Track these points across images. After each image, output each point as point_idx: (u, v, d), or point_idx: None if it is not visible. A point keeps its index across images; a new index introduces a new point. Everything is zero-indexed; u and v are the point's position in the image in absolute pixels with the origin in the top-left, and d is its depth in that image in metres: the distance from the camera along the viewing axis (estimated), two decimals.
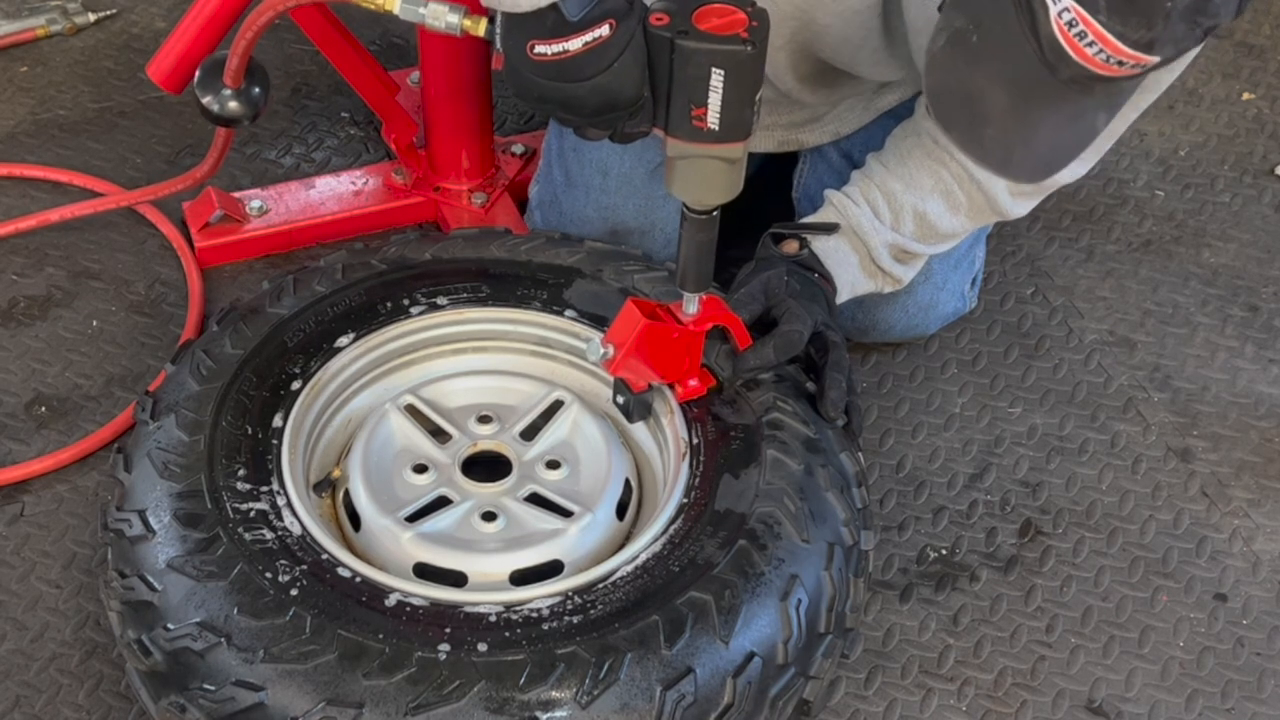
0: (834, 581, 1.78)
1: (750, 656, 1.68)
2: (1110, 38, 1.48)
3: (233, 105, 2.05)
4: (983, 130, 1.63)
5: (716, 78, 1.60)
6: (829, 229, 2.04)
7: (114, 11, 2.78)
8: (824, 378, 1.91)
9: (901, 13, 1.92)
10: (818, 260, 2.03)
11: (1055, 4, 1.49)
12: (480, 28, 1.71)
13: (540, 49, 1.61)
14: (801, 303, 1.92)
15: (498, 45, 1.66)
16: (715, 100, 1.61)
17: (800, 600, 1.73)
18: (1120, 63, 1.50)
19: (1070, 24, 1.48)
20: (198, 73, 2.06)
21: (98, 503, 2.03)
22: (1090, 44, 1.49)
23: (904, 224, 2.04)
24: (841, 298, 2.05)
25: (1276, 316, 2.37)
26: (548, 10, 1.59)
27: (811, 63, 2.04)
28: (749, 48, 1.60)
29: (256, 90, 2.07)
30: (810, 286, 1.98)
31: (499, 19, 1.66)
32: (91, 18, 2.73)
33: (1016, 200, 2.03)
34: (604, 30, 1.59)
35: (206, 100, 2.05)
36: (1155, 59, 1.51)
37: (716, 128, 1.63)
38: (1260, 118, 2.71)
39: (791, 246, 2.03)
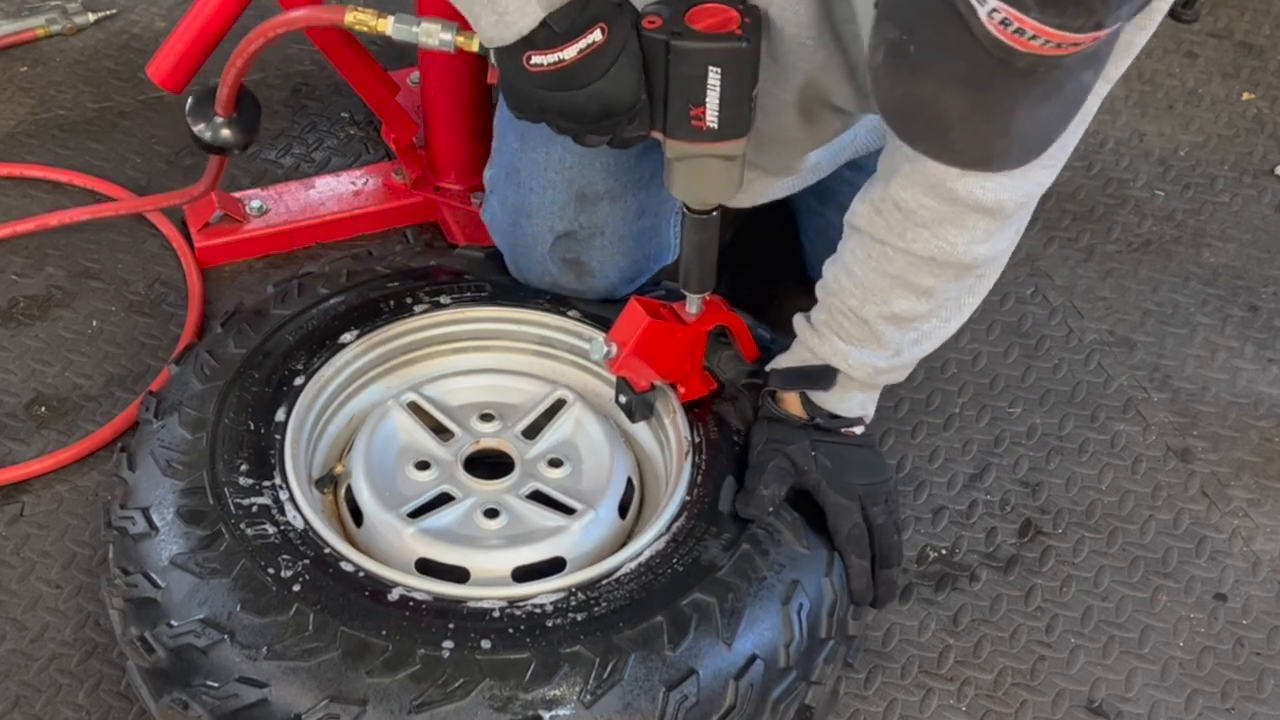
0: (835, 588, 1.78)
1: (753, 659, 1.68)
2: (1051, 30, 1.30)
3: (225, 133, 2.05)
4: (949, 136, 1.45)
5: (714, 76, 1.60)
6: (824, 378, 1.86)
7: (114, 11, 2.78)
8: (876, 575, 1.85)
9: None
10: (835, 418, 1.88)
11: (983, 5, 1.31)
12: (474, 44, 1.72)
13: (537, 59, 1.60)
14: (838, 489, 1.82)
15: (493, 60, 1.66)
16: (713, 99, 1.62)
17: (802, 605, 1.74)
18: (1075, 45, 1.33)
19: (1004, 23, 1.30)
20: (189, 101, 2.06)
21: (98, 503, 2.03)
22: (1033, 38, 1.31)
23: (881, 336, 1.82)
24: (870, 417, 1.92)
25: (1276, 316, 2.37)
26: (536, 29, 1.59)
27: None
28: (744, 43, 1.60)
29: (248, 118, 2.07)
30: (844, 457, 1.86)
31: None
32: (91, 18, 2.73)
33: (984, 245, 1.76)
34: (596, 35, 1.59)
35: (199, 129, 2.05)
36: (1112, 29, 1.33)
37: (716, 126, 1.64)
38: (1260, 118, 2.71)
39: (794, 403, 1.88)
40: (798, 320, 1.89)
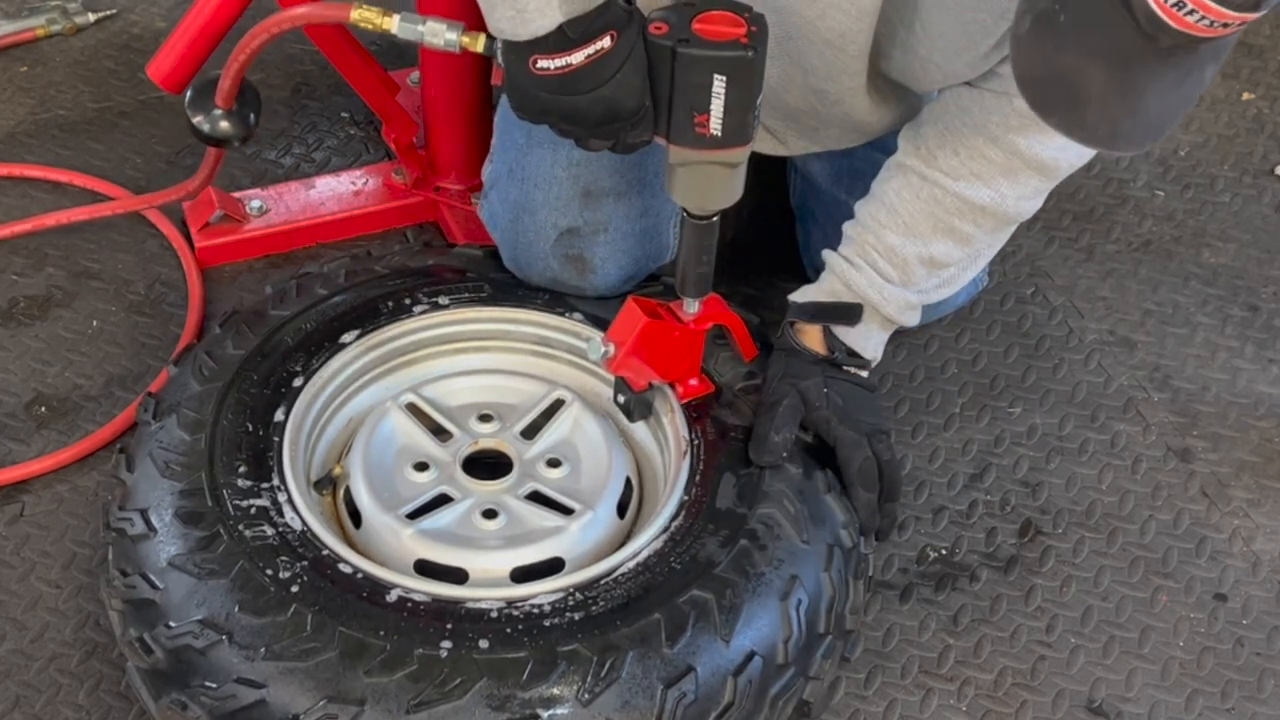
0: (833, 583, 1.78)
1: (751, 656, 1.68)
2: (1213, 4, 1.36)
3: (224, 125, 2.05)
4: (1084, 111, 1.52)
5: (719, 84, 1.61)
6: (851, 314, 1.93)
7: (114, 11, 2.78)
8: (881, 509, 1.92)
9: (906, 24, 1.79)
10: (852, 355, 1.95)
11: None
12: (479, 44, 1.71)
13: (543, 64, 1.61)
14: (849, 425, 1.88)
15: (499, 60, 1.66)
16: (718, 106, 1.62)
17: (800, 600, 1.73)
18: (1225, 25, 1.39)
19: None
20: (189, 92, 2.06)
21: (98, 503, 2.03)
22: (1191, 13, 1.38)
23: (914, 276, 1.92)
24: (877, 361, 2.00)
25: (1276, 316, 2.37)
26: (550, 33, 1.59)
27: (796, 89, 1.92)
28: (750, 52, 1.60)
29: (248, 111, 2.07)
30: (854, 397, 1.92)
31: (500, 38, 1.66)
32: (91, 18, 2.73)
33: (1031, 201, 1.89)
34: (605, 42, 1.60)
35: (197, 120, 2.05)
36: (1261, 13, 1.39)
37: (719, 134, 1.64)
38: (1260, 118, 2.71)
39: (814, 337, 1.94)
40: (829, 255, 1.96)
